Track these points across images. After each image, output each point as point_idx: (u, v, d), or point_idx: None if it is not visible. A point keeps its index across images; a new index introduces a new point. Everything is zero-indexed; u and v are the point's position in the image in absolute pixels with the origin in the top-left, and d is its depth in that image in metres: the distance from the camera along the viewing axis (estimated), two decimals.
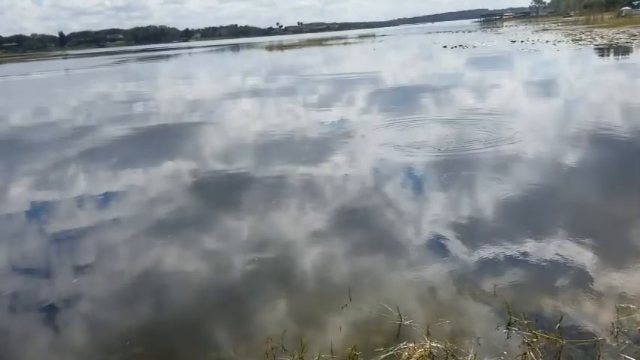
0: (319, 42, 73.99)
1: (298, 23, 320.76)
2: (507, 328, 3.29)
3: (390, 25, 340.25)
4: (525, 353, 3.06)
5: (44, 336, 3.79)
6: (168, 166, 8.36)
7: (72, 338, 3.72)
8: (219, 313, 3.85)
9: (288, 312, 3.77)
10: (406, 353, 3.14)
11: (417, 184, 6.38)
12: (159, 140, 10.86)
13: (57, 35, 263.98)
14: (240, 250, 4.86)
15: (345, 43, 60.44)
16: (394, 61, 29.07)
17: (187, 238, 5.29)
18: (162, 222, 5.83)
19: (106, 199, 6.88)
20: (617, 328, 3.17)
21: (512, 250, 4.34)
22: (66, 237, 5.65)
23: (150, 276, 4.52)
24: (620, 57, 20.94)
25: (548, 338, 3.14)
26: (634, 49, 22.76)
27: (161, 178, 7.64)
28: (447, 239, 4.68)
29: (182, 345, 3.52)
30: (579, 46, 26.29)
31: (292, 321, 3.64)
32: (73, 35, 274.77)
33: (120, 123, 13.07)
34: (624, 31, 35.41)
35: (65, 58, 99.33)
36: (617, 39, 28.84)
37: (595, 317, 3.32)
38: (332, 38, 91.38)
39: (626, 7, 76.38)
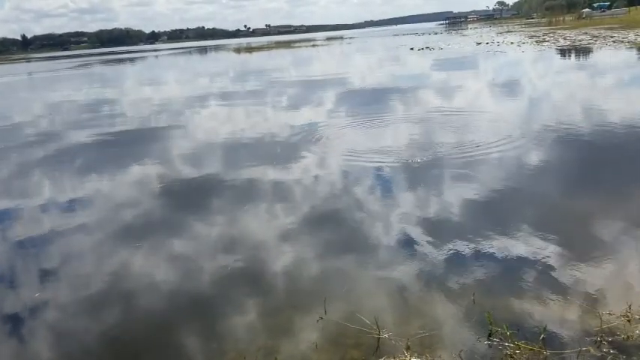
0: (288, 44, 73.83)
1: (266, 25, 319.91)
2: (489, 340, 3.17)
3: (357, 28, 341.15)
4: None
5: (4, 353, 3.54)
6: (134, 171, 8.08)
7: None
8: (190, 328, 3.64)
9: (262, 327, 3.59)
10: None
11: (384, 184, 6.30)
12: (123, 145, 10.55)
13: (19, 38, 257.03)
14: (206, 260, 4.67)
15: (314, 46, 60.39)
16: (365, 63, 29.10)
17: (156, 246, 5.07)
18: (130, 230, 5.60)
19: (70, 206, 6.59)
20: (601, 337, 3.08)
21: (491, 258, 4.25)
22: (26, 247, 5.37)
23: (119, 290, 4.28)
24: (582, 58, 21.39)
25: (531, 349, 3.04)
26: (595, 50, 23.25)
27: (126, 185, 7.36)
28: (422, 251, 4.56)
29: None
30: (543, 48, 26.77)
31: (266, 336, 3.46)
32: (36, 38, 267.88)
33: (84, 128, 12.66)
34: (585, 33, 36.24)
35: (28, 61, 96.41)
36: (580, 40, 29.47)
37: (579, 326, 3.22)
38: (300, 40, 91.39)
39: (587, 9, 78.46)
